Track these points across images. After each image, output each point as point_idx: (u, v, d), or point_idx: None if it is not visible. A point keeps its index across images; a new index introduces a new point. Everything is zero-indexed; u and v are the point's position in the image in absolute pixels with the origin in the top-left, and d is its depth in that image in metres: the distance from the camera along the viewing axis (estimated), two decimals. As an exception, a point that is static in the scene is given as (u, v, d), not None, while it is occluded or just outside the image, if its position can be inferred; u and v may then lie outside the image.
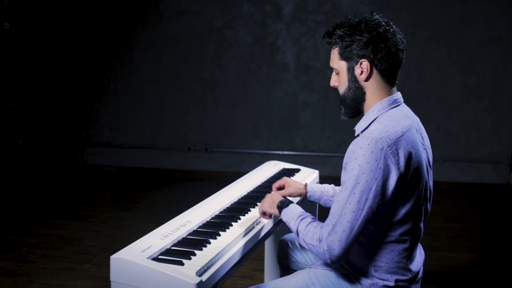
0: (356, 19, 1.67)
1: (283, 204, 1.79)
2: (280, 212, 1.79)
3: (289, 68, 5.19)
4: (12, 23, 5.30)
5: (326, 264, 1.79)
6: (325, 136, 5.24)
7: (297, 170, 2.64)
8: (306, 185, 2.12)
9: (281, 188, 2.13)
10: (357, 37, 1.63)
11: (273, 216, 1.95)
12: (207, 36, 5.22)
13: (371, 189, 1.52)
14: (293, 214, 1.72)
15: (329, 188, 2.11)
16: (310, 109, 5.22)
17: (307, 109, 5.22)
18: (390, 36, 1.63)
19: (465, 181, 5.16)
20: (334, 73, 1.74)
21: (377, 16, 1.67)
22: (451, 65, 4.99)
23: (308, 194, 2.11)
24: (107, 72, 5.42)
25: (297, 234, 1.67)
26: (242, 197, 2.19)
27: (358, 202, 1.52)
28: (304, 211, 1.74)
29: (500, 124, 5.03)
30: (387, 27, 1.64)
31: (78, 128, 5.58)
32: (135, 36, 5.30)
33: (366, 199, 1.52)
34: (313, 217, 1.70)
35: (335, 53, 1.70)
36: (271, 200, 1.87)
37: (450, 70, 5.00)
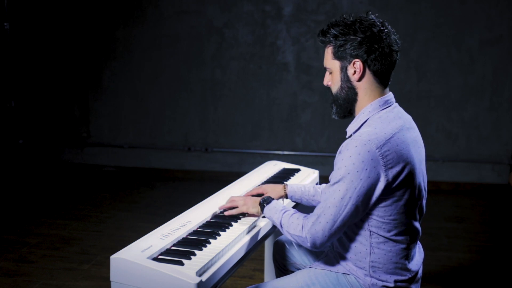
0: (351, 19, 1.66)
1: (265, 201, 1.84)
2: (262, 209, 1.83)
3: (289, 68, 5.19)
4: (12, 23, 5.30)
5: (326, 264, 1.80)
6: (325, 136, 5.23)
7: (297, 170, 2.64)
8: (285, 185, 2.12)
9: (259, 195, 2.12)
10: (351, 37, 1.63)
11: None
12: (207, 36, 5.22)
13: (355, 188, 1.55)
14: (275, 209, 1.78)
15: (309, 188, 2.10)
16: (310, 109, 5.22)
17: (307, 109, 5.22)
18: (384, 37, 1.62)
19: (465, 181, 5.16)
20: (327, 72, 1.74)
21: (372, 16, 1.67)
22: (451, 65, 4.99)
23: (289, 195, 2.11)
24: (107, 72, 5.42)
25: (281, 226, 1.71)
26: (242, 197, 2.19)
27: (342, 198, 1.56)
28: (285, 206, 1.78)
29: (500, 124, 5.03)
30: (382, 27, 1.64)
31: (78, 128, 5.58)
32: (135, 36, 5.30)
33: (350, 197, 1.55)
34: (295, 210, 1.74)
35: (329, 52, 1.70)
36: (251, 200, 1.91)
37: (450, 70, 4.99)
